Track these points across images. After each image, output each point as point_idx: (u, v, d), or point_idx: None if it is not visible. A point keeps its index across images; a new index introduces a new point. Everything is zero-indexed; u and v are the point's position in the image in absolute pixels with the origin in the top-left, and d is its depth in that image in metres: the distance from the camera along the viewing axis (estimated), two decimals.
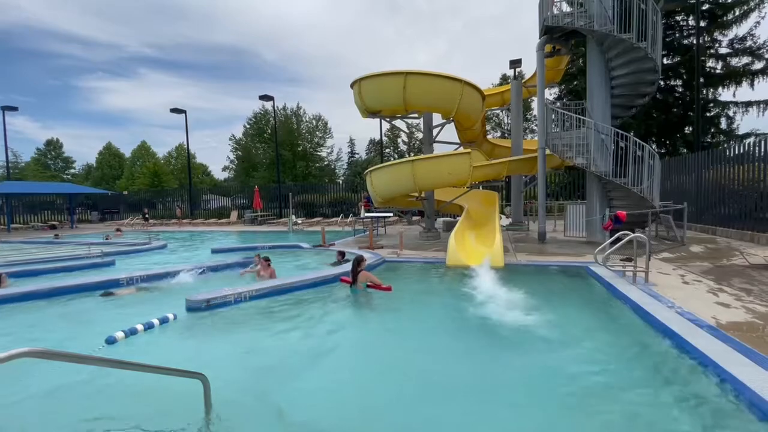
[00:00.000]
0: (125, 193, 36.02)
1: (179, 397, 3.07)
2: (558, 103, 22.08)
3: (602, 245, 6.81)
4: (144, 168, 46.36)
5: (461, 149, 13.53)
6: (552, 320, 4.90)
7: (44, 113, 77.41)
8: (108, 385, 3.41)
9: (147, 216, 26.27)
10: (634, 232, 6.23)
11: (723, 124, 21.03)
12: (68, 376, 3.52)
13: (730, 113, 20.73)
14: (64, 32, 74.93)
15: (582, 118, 10.22)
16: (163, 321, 5.01)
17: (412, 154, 41.17)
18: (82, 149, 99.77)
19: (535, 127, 32.73)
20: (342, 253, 8.66)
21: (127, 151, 57.13)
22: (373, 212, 15.83)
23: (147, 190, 37.40)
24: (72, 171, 58.91)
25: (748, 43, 19.86)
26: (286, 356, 4.13)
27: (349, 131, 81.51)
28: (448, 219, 15.93)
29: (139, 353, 4.20)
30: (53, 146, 57.16)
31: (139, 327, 4.68)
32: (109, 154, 56.25)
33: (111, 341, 4.33)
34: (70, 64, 77.57)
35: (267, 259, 7.75)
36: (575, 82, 22.39)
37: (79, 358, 2.41)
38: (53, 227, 23.24)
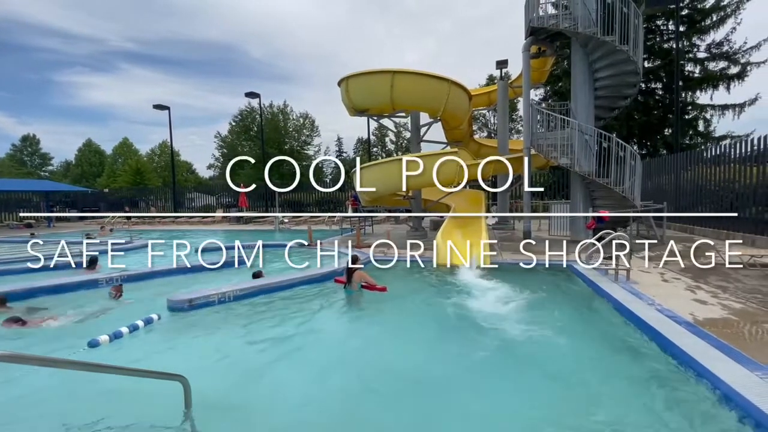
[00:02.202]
0: (106, 191, 35.08)
1: (159, 399, 3.00)
2: (543, 104, 22.41)
3: (585, 243, 6.93)
4: (126, 166, 45.22)
5: (449, 148, 13.59)
6: (538, 317, 4.97)
7: (20, 108, 74.87)
8: (86, 389, 3.31)
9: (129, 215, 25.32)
10: (616, 231, 6.36)
11: (701, 127, 21.66)
12: (43, 380, 3.41)
13: (708, 116, 21.38)
14: (41, 25, 72.42)
15: (566, 118, 10.38)
16: (148, 322, 4.90)
17: (399, 153, 41.21)
18: (61, 146, 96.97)
19: (520, 128, 33.13)
20: (258, 274, 7.03)
21: (108, 148, 55.75)
22: (360, 212, 15.79)
23: (129, 188, 36.50)
24: (50, 168, 57.14)
25: (725, 48, 20.51)
26: (271, 357, 4.08)
27: (337, 130, 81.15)
28: (435, 218, 16.00)
29: (119, 354, 4.09)
30: (30, 142, 55.35)
31: (124, 330, 4.55)
32: (89, 150, 54.70)
33: (94, 344, 4.19)
34: (47, 58, 75.22)
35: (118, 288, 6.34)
36: (560, 84, 22.76)
37: (53, 361, 2.33)
38: (29, 225, 22.46)
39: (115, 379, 3.21)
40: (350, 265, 6.44)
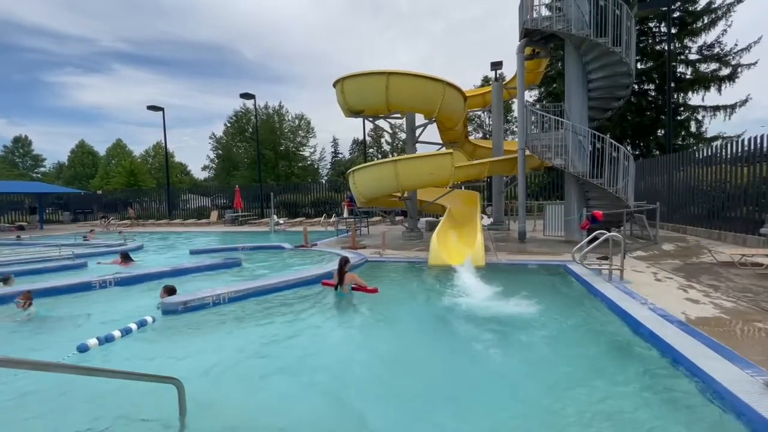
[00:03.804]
0: (99, 192, 34.76)
1: (153, 402, 2.98)
2: (537, 105, 22.54)
3: (579, 244, 6.97)
4: (120, 167, 44.89)
5: (443, 149, 13.63)
6: (531, 318, 4.98)
7: (11, 109, 74.13)
8: (78, 393, 3.28)
9: (106, 218, 24.16)
10: (610, 231, 6.41)
11: (692, 128, 21.87)
12: (34, 385, 3.37)
13: (699, 117, 21.59)
14: (31, 25, 71.71)
15: (560, 119, 10.44)
16: (141, 324, 4.86)
17: (395, 154, 41.27)
18: (53, 147, 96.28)
19: (515, 129, 33.31)
20: (171, 290, 5.90)
21: (101, 149, 55.37)
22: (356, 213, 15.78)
23: (123, 189, 36.21)
24: (42, 169, 56.64)
25: (716, 50, 20.74)
26: (264, 360, 4.06)
27: (333, 131, 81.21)
28: (430, 219, 16.04)
29: (112, 357, 4.05)
30: (21, 143, 54.88)
31: (117, 333, 4.50)
32: (82, 152, 54.26)
33: (83, 349, 4.12)
34: (38, 58, 74.61)
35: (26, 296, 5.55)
36: (554, 85, 22.88)
37: (45, 365, 2.30)
38: (21, 228, 22.22)
39: (107, 383, 3.20)
40: (341, 267, 6.39)
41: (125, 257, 9.54)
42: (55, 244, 13.08)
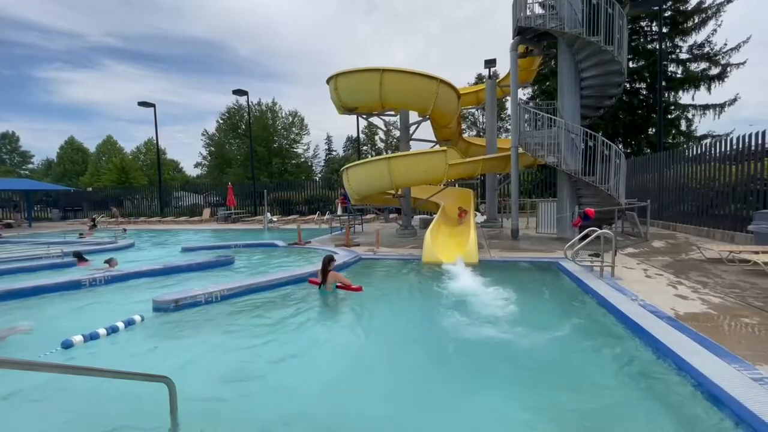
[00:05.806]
0: (89, 189, 34.28)
1: (143, 402, 2.95)
2: (531, 103, 22.65)
3: (571, 241, 7.03)
4: (110, 164, 44.27)
5: (437, 147, 13.65)
6: (524, 314, 5.02)
7: None
8: (66, 393, 3.23)
9: (95, 221, 23.10)
10: (601, 229, 6.47)
11: (683, 126, 22.14)
12: (21, 384, 3.32)
13: (689, 116, 21.86)
14: (16, 18, 70.17)
15: (553, 117, 10.50)
16: (129, 323, 4.80)
17: (389, 151, 41.20)
18: (42, 143, 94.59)
19: (509, 126, 33.41)
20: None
21: (91, 146, 54.56)
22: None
23: (114, 187, 35.73)
24: (30, 166, 55.74)
25: (706, 49, 21.00)
26: (256, 359, 4.04)
27: (327, 128, 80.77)
28: (424, 216, 16.06)
29: (102, 356, 4.01)
30: (9, 140, 53.93)
31: (102, 331, 4.44)
32: (72, 148, 53.42)
33: (67, 345, 4.09)
34: (25, 53, 72.91)
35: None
36: (547, 83, 23.01)
37: (32, 365, 2.28)
38: (9, 226, 21.84)
39: (97, 382, 3.16)
40: (325, 266, 6.35)
41: (79, 257, 9.30)
42: (45, 242, 12.88)
